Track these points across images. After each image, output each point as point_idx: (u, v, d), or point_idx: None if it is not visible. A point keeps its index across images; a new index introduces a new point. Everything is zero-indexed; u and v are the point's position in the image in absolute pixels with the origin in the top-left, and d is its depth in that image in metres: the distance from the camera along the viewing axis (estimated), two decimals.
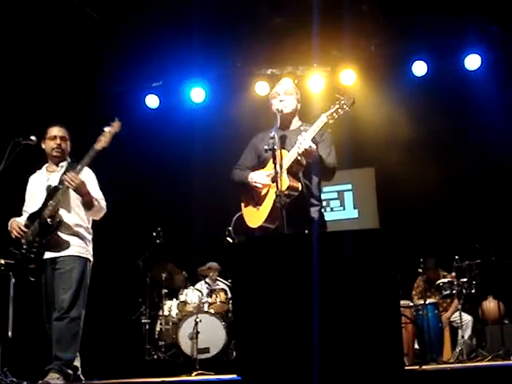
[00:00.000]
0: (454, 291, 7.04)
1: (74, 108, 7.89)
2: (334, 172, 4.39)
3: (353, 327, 3.23)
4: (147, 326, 7.36)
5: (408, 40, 7.87)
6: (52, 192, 4.68)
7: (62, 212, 4.68)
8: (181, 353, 7.01)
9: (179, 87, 8.73)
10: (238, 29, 7.53)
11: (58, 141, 4.84)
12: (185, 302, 7.37)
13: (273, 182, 4.16)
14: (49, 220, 4.61)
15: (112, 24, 7.32)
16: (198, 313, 7.00)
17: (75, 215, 4.77)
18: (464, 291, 6.99)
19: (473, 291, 6.97)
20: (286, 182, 4.11)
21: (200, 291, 7.52)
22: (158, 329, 7.43)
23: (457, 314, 7.22)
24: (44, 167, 4.97)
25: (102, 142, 4.67)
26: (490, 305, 7.33)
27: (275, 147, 4.07)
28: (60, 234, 4.68)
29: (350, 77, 8.26)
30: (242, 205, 4.50)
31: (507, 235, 7.43)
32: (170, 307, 7.50)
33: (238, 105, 8.49)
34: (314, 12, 6.70)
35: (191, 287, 7.60)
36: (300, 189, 4.18)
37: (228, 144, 8.33)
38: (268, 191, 4.28)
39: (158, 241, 7.42)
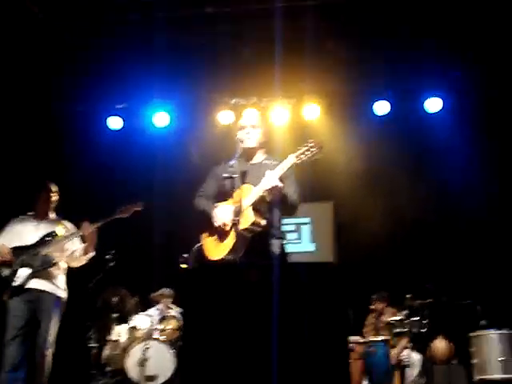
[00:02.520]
0: (405, 329, 7.07)
1: (35, 128, 7.80)
2: (296, 208, 4.43)
3: (306, 359, 3.23)
4: (94, 351, 7.20)
5: (371, 79, 8.00)
6: (52, 235, 5.35)
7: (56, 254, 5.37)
8: (127, 380, 6.87)
9: (143, 110, 8.68)
10: (201, 56, 7.54)
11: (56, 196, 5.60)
12: (134, 328, 7.24)
13: (236, 217, 4.18)
14: (46, 257, 5.25)
15: (76, 44, 7.28)
16: (147, 339, 6.89)
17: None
18: (415, 330, 7.02)
19: (423, 330, 7.00)
20: (250, 217, 4.15)
21: (151, 317, 7.39)
22: (105, 354, 7.27)
23: (406, 352, 7.25)
24: (28, 215, 5.56)
25: (124, 214, 5.43)
26: (440, 345, 7.39)
27: (233, 176, 4.13)
28: (51, 270, 5.32)
29: (314, 111, 8.33)
30: (204, 236, 4.46)
31: (459, 276, 7.54)
32: (120, 332, 7.35)
33: (201, 131, 8.52)
34: (277, 46, 6.69)
35: (142, 313, 7.47)
36: (264, 225, 4.21)
37: (189, 169, 8.34)
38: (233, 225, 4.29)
39: (111, 264, 7.28)
